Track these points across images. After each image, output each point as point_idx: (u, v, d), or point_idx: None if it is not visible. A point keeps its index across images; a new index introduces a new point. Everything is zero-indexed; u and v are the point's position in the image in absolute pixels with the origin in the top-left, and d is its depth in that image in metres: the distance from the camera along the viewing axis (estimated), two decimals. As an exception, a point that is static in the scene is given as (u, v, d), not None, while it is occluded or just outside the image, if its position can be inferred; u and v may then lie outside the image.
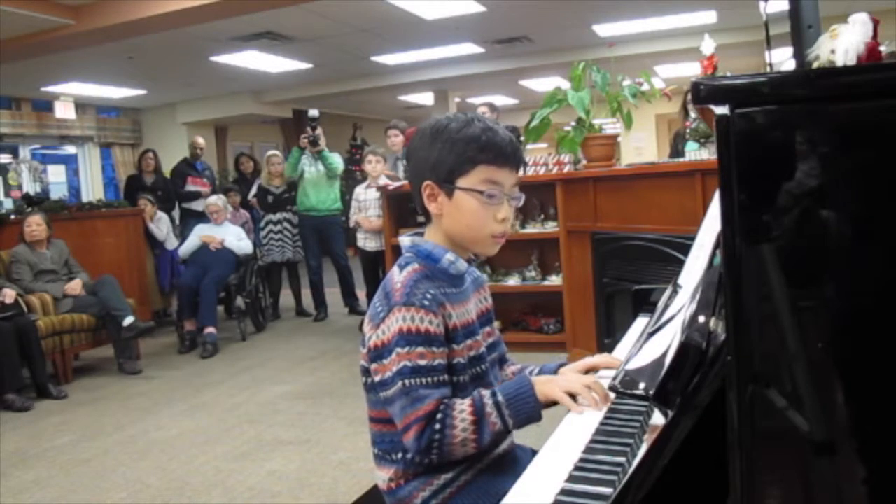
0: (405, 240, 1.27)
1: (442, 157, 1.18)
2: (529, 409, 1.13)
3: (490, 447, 1.17)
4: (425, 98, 10.68)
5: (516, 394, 1.13)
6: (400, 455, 1.19)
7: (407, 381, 1.11)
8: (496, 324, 1.38)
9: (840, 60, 0.90)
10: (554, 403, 1.15)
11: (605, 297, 3.63)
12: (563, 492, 0.90)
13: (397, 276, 1.20)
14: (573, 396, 1.14)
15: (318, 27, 6.25)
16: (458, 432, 1.10)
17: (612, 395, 1.13)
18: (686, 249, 1.34)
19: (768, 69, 1.29)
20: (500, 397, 1.13)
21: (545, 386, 1.15)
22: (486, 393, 1.14)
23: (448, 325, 1.17)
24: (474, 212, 1.19)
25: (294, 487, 2.70)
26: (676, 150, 4.68)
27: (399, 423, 1.13)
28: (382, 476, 1.22)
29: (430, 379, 1.12)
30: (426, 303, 1.14)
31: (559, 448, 1.04)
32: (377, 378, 1.16)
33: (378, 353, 1.15)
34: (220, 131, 10.49)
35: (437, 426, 1.10)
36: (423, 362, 1.12)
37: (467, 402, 1.13)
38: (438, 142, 1.19)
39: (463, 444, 1.11)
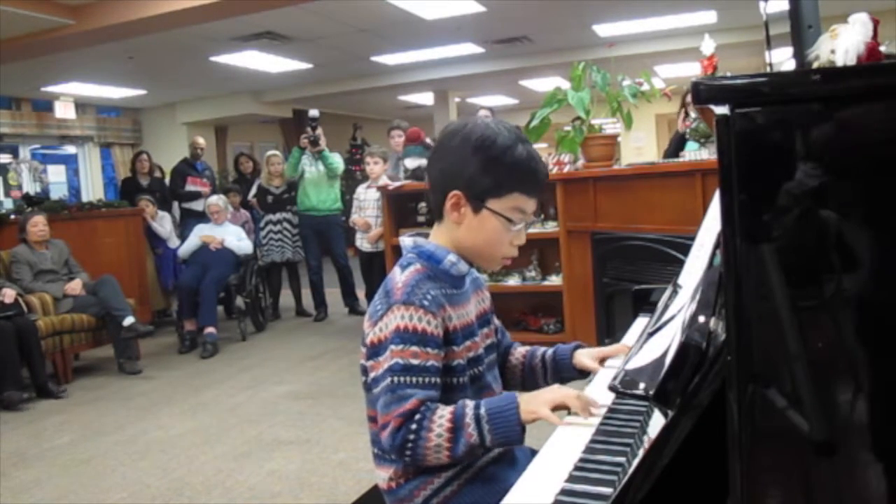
0: (407, 240, 1.27)
1: (480, 174, 1.16)
2: (510, 428, 1.08)
3: (466, 459, 1.14)
4: (425, 98, 10.68)
5: (499, 411, 1.09)
6: None
7: (395, 378, 1.10)
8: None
9: (840, 60, 0.90)
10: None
11: (605, 297, 3.63)
12: (563, 492, 0.90)
13: (399, 276, 1.20)
14: (560, 408, 1.12)
15: (318, 27, 6.25)
16: (433, 437, 1.08)
17: (599, 403, 1.12)
18: (686, 249, 1.34)
19: (768, 69, 1.29)
20: (482, 410, 1.09)
21: (530, 404, 1.10)
22: (469, 404, 1.11)
23: (448, 327, 1.17)
24: (495, 233, 1.19)
25: (294, 487, 2.70)
26: (674, 151, 4.67)
27: (379, 420, 1.12)
28: (382, 475, 1.22)
29: (419, 379, 1.10)
30: (426, 303, 1.14)
31: (559, 448, 1.04)
32: (372, 375, 1.16)
33: (375, 350, 1.15)
34: (220, 131, 10.49)
35: (413, 426, 1.08)
36: (415, 361, 1.10)
37: (449, 409, 1.10)
38: (480, 156, 1.16)
39: (437, 451, 1.08)
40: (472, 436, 1.08)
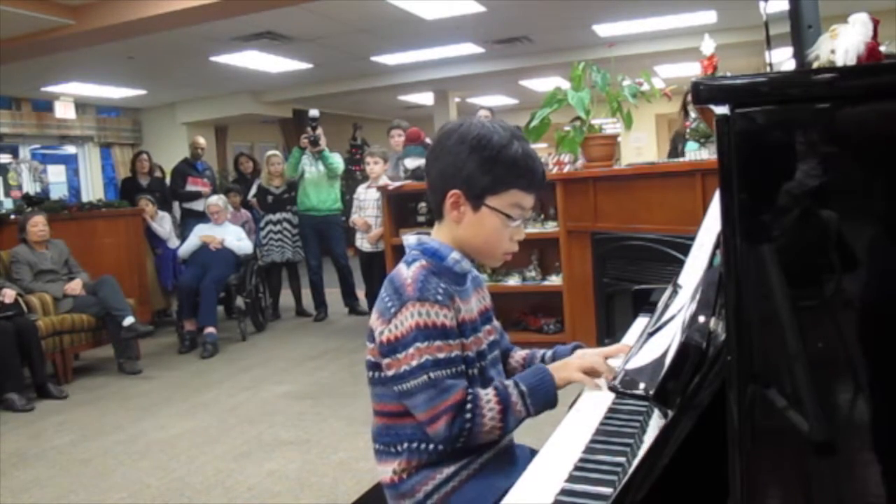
0: (411, 238, 1.28)
1: (478, 172, 1.19)
2: (549, 396, 1.20)
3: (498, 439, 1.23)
4: (425, 98, 10.68)
5: (538, 383, 1.20)
6: (405, 445, 1.20)
7: (432, 374, 1.13)
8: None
9: (840, 60, 0.90)
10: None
11: (605, 297, 3.63)
12: (563, 492, 0.90)
13: (406, 272, 1.21)
14: (590, 371, 1.23)
15: (318, 27, 6.25)
16: (486, 421, 1.15)
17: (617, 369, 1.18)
18: (686, 249, 1.34)
19: (768, 69, 1.29)
20: (522, 387, 1.18)
21: (562, 371, 1.23)
22: (508, 383, 1.19)
23: (457, 319, 1.19)
24: (495, 231, 1.22)
25: (294, 487, 2.70)
26: (676, 150, 4.68)
27: (424, 414, 1.15)
28: (386, 470, 1.23)
29: (451, 370, 1.15)
30: (439, 297, 1.16)
31: (559, 448, 1.04)
32: (391, 372, 1.17)
33: (392, 348, 1.16)
34: (220, 131, 10.49)
35: (468, 416, 1.13)
36: (442, 355, 1.14)
37: (491, 392, 1.17)
38: (477, 155, 1.19)
39: (490, 432, 1.16)
40: (521, 412, 1.18)
